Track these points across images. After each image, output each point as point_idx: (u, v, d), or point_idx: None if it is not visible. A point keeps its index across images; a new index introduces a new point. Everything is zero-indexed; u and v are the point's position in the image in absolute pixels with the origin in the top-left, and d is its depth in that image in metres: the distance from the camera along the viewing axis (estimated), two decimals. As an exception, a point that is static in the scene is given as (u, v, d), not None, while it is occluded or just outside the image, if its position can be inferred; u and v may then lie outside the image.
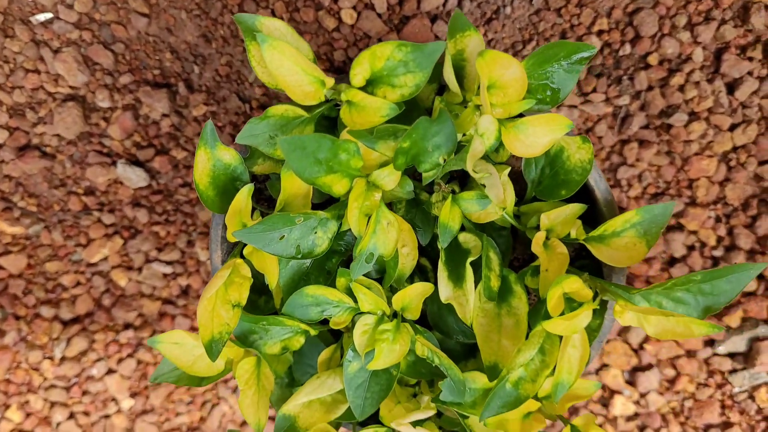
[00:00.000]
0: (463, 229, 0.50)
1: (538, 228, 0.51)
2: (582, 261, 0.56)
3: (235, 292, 0.48)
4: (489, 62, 0.40)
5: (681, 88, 0.75)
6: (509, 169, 0.49)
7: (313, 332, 0.53)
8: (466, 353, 0.56)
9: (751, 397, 0.85)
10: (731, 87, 0.75)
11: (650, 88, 0.75)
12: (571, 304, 0.47)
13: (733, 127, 0.76)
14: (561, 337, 0.47)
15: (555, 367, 0.48)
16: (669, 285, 0.46)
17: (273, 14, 0.77)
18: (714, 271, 0.45)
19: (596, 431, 0.49)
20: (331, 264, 0.52)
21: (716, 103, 0.75)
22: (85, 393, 0.93)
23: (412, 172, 0.51)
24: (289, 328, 0.52)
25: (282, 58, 0.41)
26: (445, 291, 0.48)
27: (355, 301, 0.50)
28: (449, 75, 0.43)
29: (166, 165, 0.83)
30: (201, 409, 0.94)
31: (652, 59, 0.74)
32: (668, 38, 0.73)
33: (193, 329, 0.92)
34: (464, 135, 0.46)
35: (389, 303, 0.50)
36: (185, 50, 0.79)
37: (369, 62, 0.42)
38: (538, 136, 0.45)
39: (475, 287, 0.49)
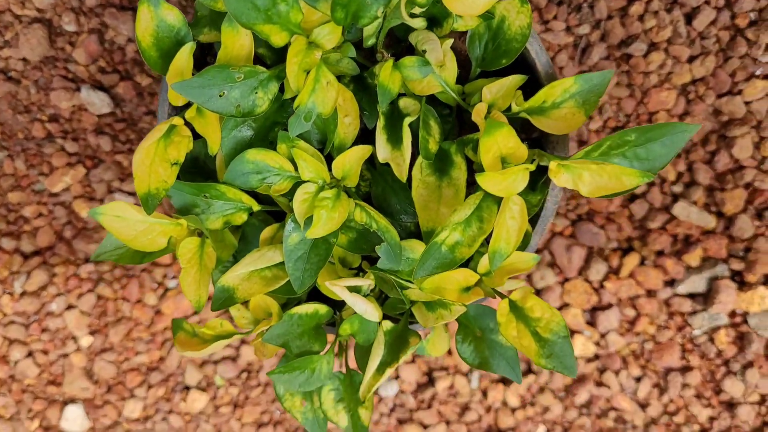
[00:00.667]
0: (404, 95, 0.50)
1: (481, 101, 0.51)
2: (529, 137, 0.56)
3: (173, 150, 0.48)
4: None
5: (640, 18, 0.76)
6: (452, 40, 0.49)
7: (255, 207, 0.52)
8: (411, 237, 0.56)
9: (711, 340, 0.85)
10: (689, 17, 0.76)
11: (610, 17, 0.76)
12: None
13: (691, 59, 0.77)
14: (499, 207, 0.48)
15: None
16: (605, 148, 0.46)
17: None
18: (648, 128, 0.45)
19: (533, 301, 0.48)
20: (274, 135, 0.52)
21: (675, 33, 0.76)
22: (44, 330, 0.92)
23: (357, 49, 0.52)
24: (232, 202, 0.52)
25: None
26: (383, 152, 0.48)
27: (296, 168, 0.50)
28: None
29: (131, 91, 0.83)
30: (161, 348, 0.93)
31: (612, -13, 0.76)
32: (627, -33, 0.75)
33: (155, 264, 0.92)
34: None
35: (330, 171, 0.50)
36: (152, -27, 0.80)
37: None
38: (477, -6, 0.45)
39: (415, 157, 0.49)
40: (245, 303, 0.55)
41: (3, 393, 0.93)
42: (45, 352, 0.93)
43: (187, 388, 0.94)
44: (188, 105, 0.50)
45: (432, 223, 0.49)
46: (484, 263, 0.50)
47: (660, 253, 0.83)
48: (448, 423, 0.90)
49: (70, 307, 0.92)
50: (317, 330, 0.54)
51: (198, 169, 0.56)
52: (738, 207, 0.80)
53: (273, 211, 0.55)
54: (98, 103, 0.83)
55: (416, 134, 0.50)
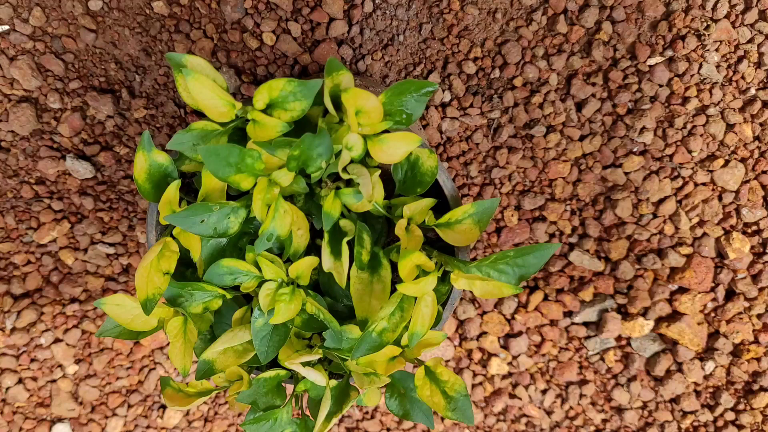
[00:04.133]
0: (343, 216, 0.65)
1: (402, 217, 0.67)
2: (441, 243, 0.72)
3: (165, 263, 0.62)
4: (352, 96, 0.55)
5: (540, 106, 0.92)
6: (379, 171, 0.65)
7: (228, 296, 0.67)
8: (350, 315, 0.72)
9: (602, 359, 1.03)
10: (580, 105, 0.92)
11: (516, 104, 0.92)
12: (422, 272, 0.63)
13: (582, 138, 0.93)
14: (416, 299, 0.63)
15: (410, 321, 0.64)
16: (493, 259, 0.62)
17: (204, 34, 0.91)
18: (522, 249, 0.61)
19: (442, 369, 0.65)
20: (243, 243, 0.67)
21: (568, 119, 0.92)
22: (33, 360, 1.05)
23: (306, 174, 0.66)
24: (209, 292, 0.67)
25: (202, 87, 0.56)
26: (327, 263, 0.63)
27: (260, 270, 0.65)
28: (328, 103, 0.58)
29: (110, 159, 0.96)
30: (139, 373, 1.07)
31: (517, 81, 0.91)
32: (529, 65, 0.91)
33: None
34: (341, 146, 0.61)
35: (287, 273, 0.65)
36: (128, 61, 0.93)
37: (267, 92, 0.57)
38: (396, 148, 0.61)
39: (353, 262, 0.65)
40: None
41: None
42: (34, 379, 1.07)
43: (164, 407, 1.08)
44: (175, 222, 0.64)
45: (365, 313, 0.64)
46: (406, 339, 0.66)
47: (560, 291, 1.00)
48: (388, 430, 1.08)
49: (57, 340, 1.05)
50: (278, 387, 0.70)
51: (181, 260, 0.70)
52: (621, 254, 0.98)
53: (244, 294, 0.70)
54: (81, 170, 0.95)
55: (352, 244, 0.65)
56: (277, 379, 0.69)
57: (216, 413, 1.08)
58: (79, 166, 0.96)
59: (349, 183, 0.68)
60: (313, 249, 0.71)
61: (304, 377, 0.70)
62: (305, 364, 0.65)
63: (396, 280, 0.68)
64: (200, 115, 0.94)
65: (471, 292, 0.99)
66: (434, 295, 0.63)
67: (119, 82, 0.94)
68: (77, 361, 1.06)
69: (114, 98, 0.94)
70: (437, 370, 0.65)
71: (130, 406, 1.08)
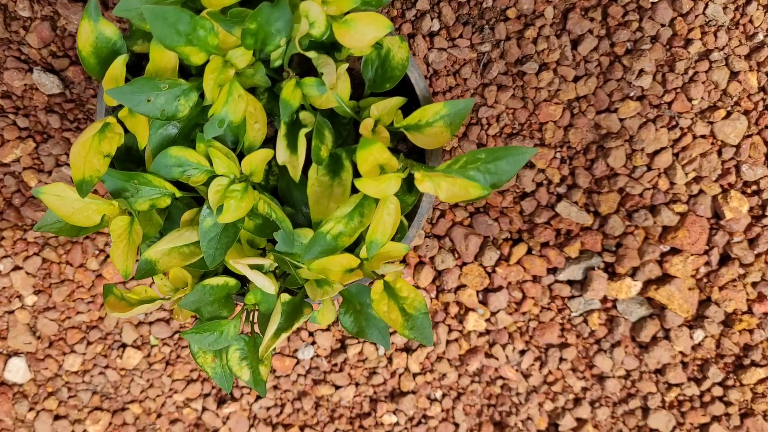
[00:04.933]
0: (304, 109, 0.60)
1: (369, 117, 0.62)
2: (413, 156, 0.67)
3: (107, 144, 0.57)
4: (314, -42, 0.50)
5: (534, 41, 0.87)
6: (347, 65, 0.60)
7: (177, 194, 0.62)
8: (310, 225, 0.66)
9: (585, 321, 0.98)
10: (575, 43, 0.87)
11: (508, 38, 0.87)
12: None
13: (576, 79, 0.88)
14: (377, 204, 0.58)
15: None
16: (462, 163, 0.57)
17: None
18: (496, 150, 0.56)
19: (402, 284, 0.59)
20: (195, 134, 0.62)
21: (562, 56, 0.87)
22: (-9, 288, 1.01)
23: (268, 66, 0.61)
24: (157, 188, 0.62)
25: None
26: (282, 156, 0.58)
27: (212, 164, 0.60)
28: (289, -30, 0.54)
29: (80, 75, 0.91)
30: (100, 309, 1.02)
31: (511, 13, 0.86)
32: (524, -5, 0.86)
33: (98, 233, 1.01)
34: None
35: (240, 169, 0.60)
36: (102, -31, 0.88)
37: (222, -48, 0.53)
38: (364, 32, 0.56)
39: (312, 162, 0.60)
40: (167, 274, 0.65)
41: (-49, 343, 1.01)
42: (-9, 308, 1.02)
43: (124, 346, 1.03)
44: (122, 106, 0.59)
45: (321, 216, 0.59)
46: (365, 250, 0.61)
47: (545, 245, 0.95)
48: (357, 385, 1.02)
49: (16, 268, 1.00)
50: (227, 299, 0.65)
51: (131, 158, 0.65)
52: (611, 208, 0.92)
53: (195, 197, 0.65)
54: (48, 84, 0.91)
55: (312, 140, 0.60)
56: (226, 288, 0.64)
57: (178, 356, 1.03)
58: (47, 79, 0.91)
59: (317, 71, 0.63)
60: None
61: (253, 289, 0.64)
62: (253, 267, 0.60)
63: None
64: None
65: (451, 240, 0.94)
66: (398, 202, 0.58)
67: (93, -8, 0.89)
68: (36, 292, 1.01)
69: (84, 7, 0.89)
70: (396, 285, 0.60)
71: (89, 343, 1.03)
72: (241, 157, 0.61)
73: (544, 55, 0.87)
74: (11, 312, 1.02)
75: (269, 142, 0.64)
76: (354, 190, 0.62)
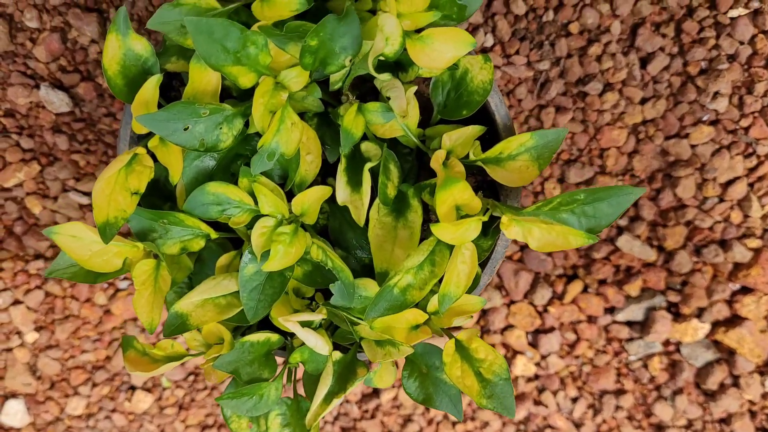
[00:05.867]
0: (366, 138, 0.51)
1: (440, 148, 0.53)
2: (485, 191, 0.58)
3: (135, 179, 0.48)
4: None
5: (598, 59, 0.78)
6: (415, 87, 0.51)
7: (213, 235, 0.53)
8: (365, 272, 0.58)
9: (645, 366, 0.89)
10: (644, 61, 0.78)
11: (569, 55, 0.78)
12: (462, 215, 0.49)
13: (644, 101, 0.80)
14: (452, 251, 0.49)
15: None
16: (555, 204, 0.48)
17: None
18: (597, 190, 0.47)
19: (478, 344, 0.50)
20: (236, 167, 0.53)
21: (629, 76, 0.78)
22: (-12, 324, 0.91)
23: (323, 87, 0.52)
24: (190, 229, 0.53)
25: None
26: (343, 194, 0.49)
27: (256, 202, 0.51)
28: (359, -22, 0.45)
29: (91, 92, 0.82)
30: (108, 347, 0.93)
31: (573, 27, 0.78)
32: (589, 8, 0.77)
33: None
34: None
35: (289, 207, 0.51)
36: (119, -25, 0.79)
37: (282, -46, 0.44)
38: (442, 50, 0.47)
39: (373, 198, 0.51)
40: (200, 329, 0.56)
41: (-57, 386, 0.92)
42: (-12, 345, 0.92)
43: (133, 388, 0.94)
44: (151, 133, 0.50)
45: (386, 264, 0.50)
46: (433, 303, 0.52)
47: (602, 282, 0.86)
48: (390, 433, 0.93)
49: (16, 302, 0.91)
50: (267, 357, 0.55)
51: (158, 191, 0.56)
52: (678, 243, 0.83)
53: (231, 237, 0.56)
54: (57, 102, 0.82)
55: (375, 176, 0.51)
56: (267, 344, 0.54)
57: (192, 400, 0.93)
58: (55, 97, 0.82)
59: (375, 93, 0.54)
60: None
61: (299, 345, 0.55)
62: (304, 324, 0.51)
63: (426, 227, 0.54)
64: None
65: (498, 276, 0.85)
66: (474, 249, 0.49)
67: (108, 0, 0.80)
68: (38, 329, 0.92)
69: (100, 19, 0.80)
70: (471, 345, 0.51)
71: (94, 385, 0.93)
72: (289, 194, 0.52)
73: (609, 74, 0.78)
74: (9, 350, 0.93)
75: (318, 174, 0.55)
76: (422, 232, 0.53)
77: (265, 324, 0.57)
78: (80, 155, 0.85)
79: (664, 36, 0.77)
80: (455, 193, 0.47)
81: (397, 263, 0.50)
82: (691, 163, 0.81)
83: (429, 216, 0.57)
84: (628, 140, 0.81)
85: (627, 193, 0.48)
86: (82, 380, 0.93)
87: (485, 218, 0.48)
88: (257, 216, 0.51)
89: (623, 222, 0.84)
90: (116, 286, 0.91)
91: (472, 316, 0.53)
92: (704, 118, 0.80)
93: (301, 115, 0.54)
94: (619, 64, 0.78)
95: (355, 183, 0.49)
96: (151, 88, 0.48)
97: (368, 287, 0.51)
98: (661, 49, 0.78)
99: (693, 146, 0.81)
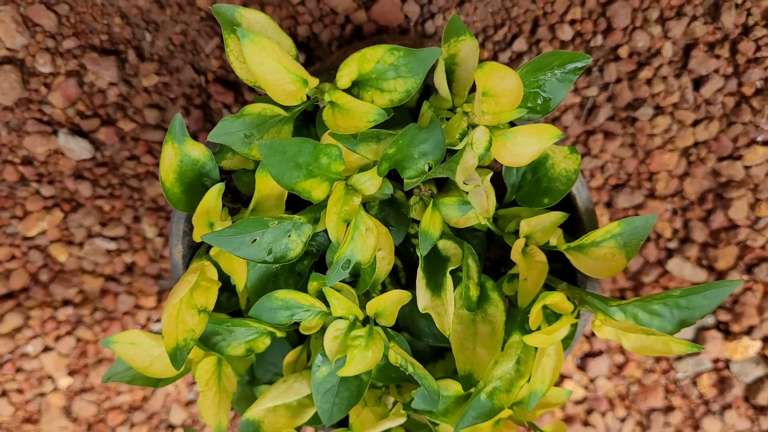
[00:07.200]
0: (442, 235, 0.48)
1: (516, 233, 0.50)
2: (555, 264, 0.55)
3: (201, 296, 0.45)
4: (487, 73, 0.38)
5: (648, 82, 0.74)
6: (491, 173, 0.47)
7: (279, 334, 0.50)
8: (434, 355, 0.55)
9: (694, 383, 0.87)
10: (697, 83, 0.75)
11: (619, 80, 0.74)
12: (549, 315, 0.47)
13: (696, 123, 0.76)
14: (536, 347, 0.47)
15: (530, 376, 0.47)
16: (647, 298, 0.46)
17: (233, -18, 0.72)
18: (692, 288, 0.45)
19: (566, 439, 0.48)
20: (302, 266, 0.50)
21: (682, 99, 0.75)
22: (19, 370, 0.89)
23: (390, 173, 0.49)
24: (255, 329, 0.50)
25: (263, 56, 0.38)
26: (424, 300, 0.46)
27: (327, 305, 0.48)
28: (441, 81, 0.41)
29: (113, 136, 0.78)
30: (144, 388, 0.91)
31: (623, 51, 0.74)
32: (639, 31, 0.73)
33: (138, 307, 0.88)
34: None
35: (362, 307, 0.48)
36: (136, 15, 0.74)
37: (358, 65, 0.40)
38: (526, 145, 0.43)
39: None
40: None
41: (-20, 440, 0.90)
42: (20, 391, 0.90)
43: (172, 427, 0.92)
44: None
45: (469, 366, 0.48)
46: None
47: (651, 305, 0.84)
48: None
49: (46, 349, 0.88)
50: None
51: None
52: (729, 263, 0.81)
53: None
54: (78, 150, 0.77)
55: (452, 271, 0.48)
56: (343, 445, 0.52)
57: (235, 435, 0.92)
58: (75, 144, 0.77)
59: (439, 183, 0.51)
60: (390, 275, 0.54)
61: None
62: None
63: (508, 320, 0.51)
64: (230, 86, 0.76)
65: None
66: (560, 344, 0.47)
67: (125, 41, 0.75)
68: (71, 373, 0.89)
69: (118, 61, 0.75)
70: (558, 439, 0.49)
71: (132, 425, 0.92)
72: (365, 294, 0.49)
73: (660, 97, 0.75)
74: (43, 395, 0.90)
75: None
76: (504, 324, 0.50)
77: (344, 422, 0.54)
78: (104, 200, 0.81)
79: (718, 57, 0.73)
80: (548, 301, 0.44)
81: (481, 364, 0.47)
82: (744, 184, 0.78)
83: (505, 302, 0.54)
84: (679, 163, 0.78)
85: (725, 286, 0.46)
86: (119, 421, 0.91)
87: (576, 321, 0.46)
88: (329, 318, 0.48)
89: (673, 245, 0.81)
90: (149, 328, 0.88)
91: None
92: (758, 139, 0.76)
93: (365, 205, 0.50)
94: (671, 87, 0.74)
95: (434, 285, 0.46)
96: (213, 198, 0.44)
97: (449, 387, 0.49)
98: (716, 70, 0.74)
99: (747, 167, 0.77)
